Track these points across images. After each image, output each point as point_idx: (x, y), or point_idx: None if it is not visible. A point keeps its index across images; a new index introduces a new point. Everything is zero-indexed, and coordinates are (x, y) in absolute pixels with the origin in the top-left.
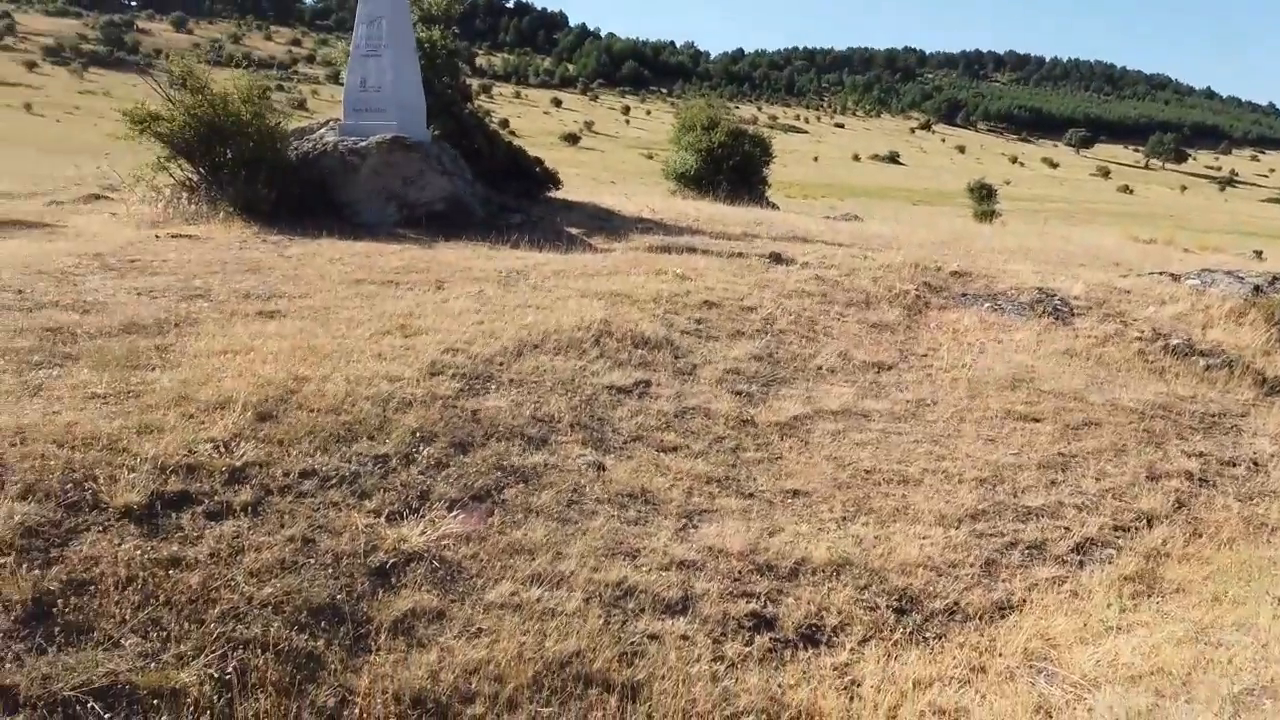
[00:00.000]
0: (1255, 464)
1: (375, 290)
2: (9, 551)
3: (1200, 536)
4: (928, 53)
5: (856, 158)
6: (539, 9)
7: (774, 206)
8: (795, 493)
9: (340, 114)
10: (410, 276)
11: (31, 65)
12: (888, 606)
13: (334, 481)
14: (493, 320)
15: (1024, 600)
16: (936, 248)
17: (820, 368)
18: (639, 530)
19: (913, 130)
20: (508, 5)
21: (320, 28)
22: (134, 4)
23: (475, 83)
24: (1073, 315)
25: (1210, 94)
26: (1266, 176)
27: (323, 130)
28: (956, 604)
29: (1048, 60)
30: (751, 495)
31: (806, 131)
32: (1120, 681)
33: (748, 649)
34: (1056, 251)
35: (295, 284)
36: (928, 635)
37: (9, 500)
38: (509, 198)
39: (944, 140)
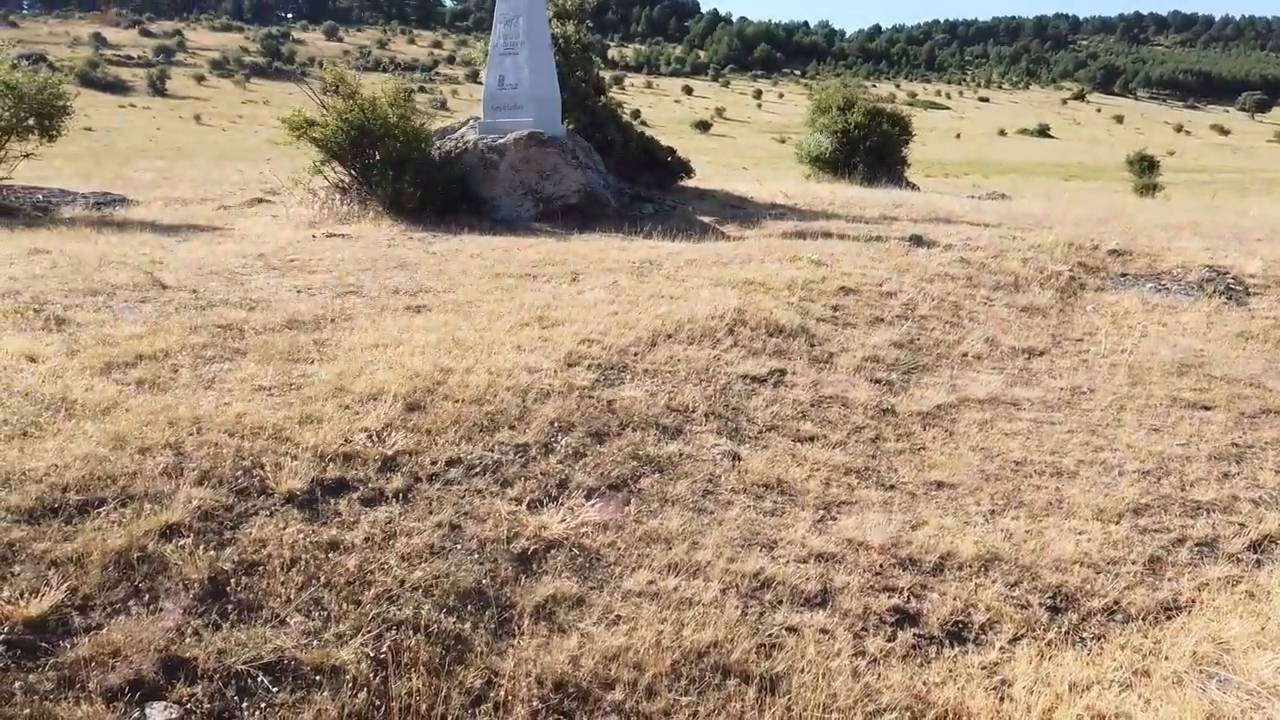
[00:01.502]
0: None
1: (514, 283)
2: (188, 533)
3: None
4: (1082, 18)
5: (1003, 133)
6: None
7: (914, 187)
8: (939, 484)
9: (480, 112)
10: (547, 269)
11: (200, 79)
12: (1040, 605)
13: (478, 470)
14: (627, 311)
15: (1193, 600)
16: (1092, 225)
17: (965, 354)
18: (776, 521)
19: (1064, 101)
20: None
21: (460, 29)
22: (289, 16)
23: (608, 75)
24: (1248, 295)
25: None
26: None
27: (463, 129)
28: (1117, 603)
29: (1218, 19)
30: (893, 487)
31: (948, 108)
32: None
33: (890, 645)
34: (1228, 226)
35: (439, 279)
36: (1085, 636)
37: (187, 485)
38: (642, 188)
39: (1099, 110)
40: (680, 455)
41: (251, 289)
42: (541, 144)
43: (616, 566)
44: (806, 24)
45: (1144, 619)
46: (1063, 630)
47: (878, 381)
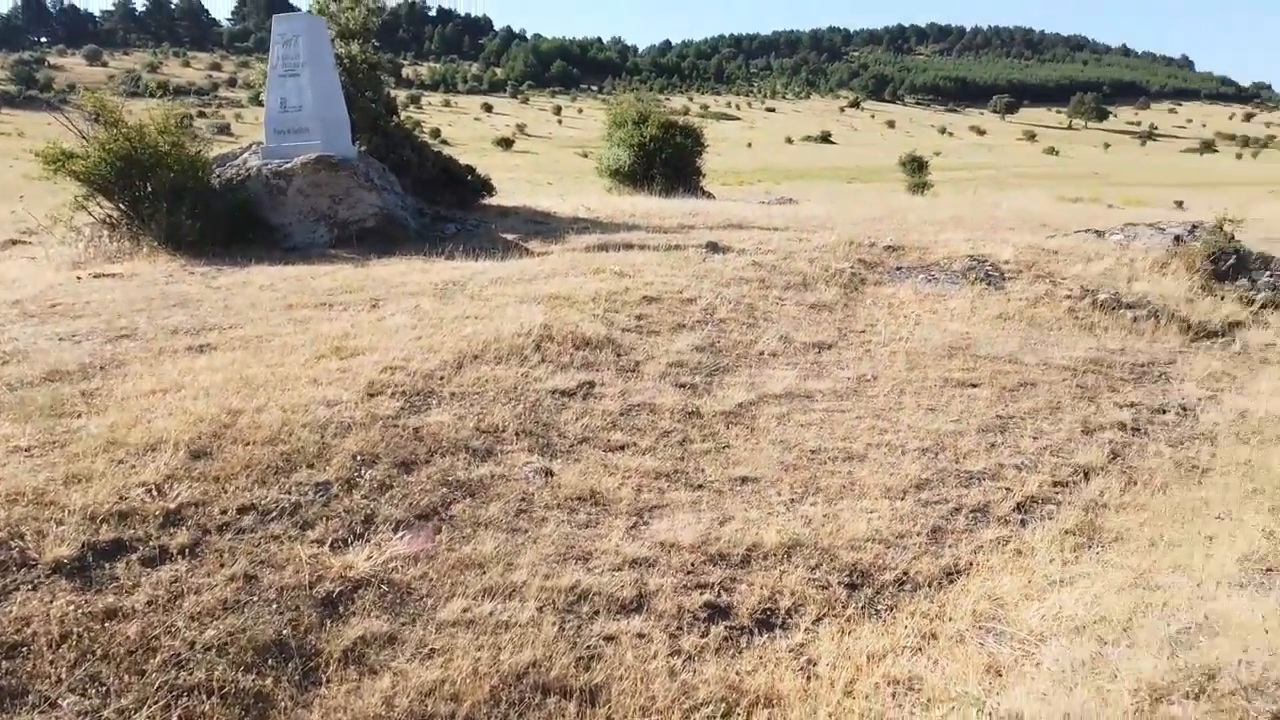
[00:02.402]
0: (1184, 409)
1: (309, 314)
2: None
3: (1135, 484)
4: (852, 31)
5: (790, 140)
6: (463, 15)
7: (710, 196)
8: (744, 479)
9: (263, 137)
10: (344, 297)
11: None
12: (839, 583)
13: (274, 514)
14: (431, 334)
15: (971, 563)
16: (870, 224)
17: (762, 353)
18: (590, 533)
19: (842, 109)
20: (430, 14)
21: (240, 49)
22: (44, 41)
23: (402, 94)
24: (1004, 279)
25: (1126, 51)
26: (1184, 128)
27: (246, 155)
28: (906, 574)
29: (969, 29)
30: (701, 486)
31: (739, 118)
32: (1065, 634)
33: (704, 640)
34: (987, 218)
35: (225, 315)
36: (880, 608)
37: None
38: (443, 208)
39: (873, 117)
40: (492, 477)
41: (4, 340)
42: (332, 167)
43: (429, 598)
44: (600, 40)
45: (930, 585)
46: (860, 605)
47: (683, 385)
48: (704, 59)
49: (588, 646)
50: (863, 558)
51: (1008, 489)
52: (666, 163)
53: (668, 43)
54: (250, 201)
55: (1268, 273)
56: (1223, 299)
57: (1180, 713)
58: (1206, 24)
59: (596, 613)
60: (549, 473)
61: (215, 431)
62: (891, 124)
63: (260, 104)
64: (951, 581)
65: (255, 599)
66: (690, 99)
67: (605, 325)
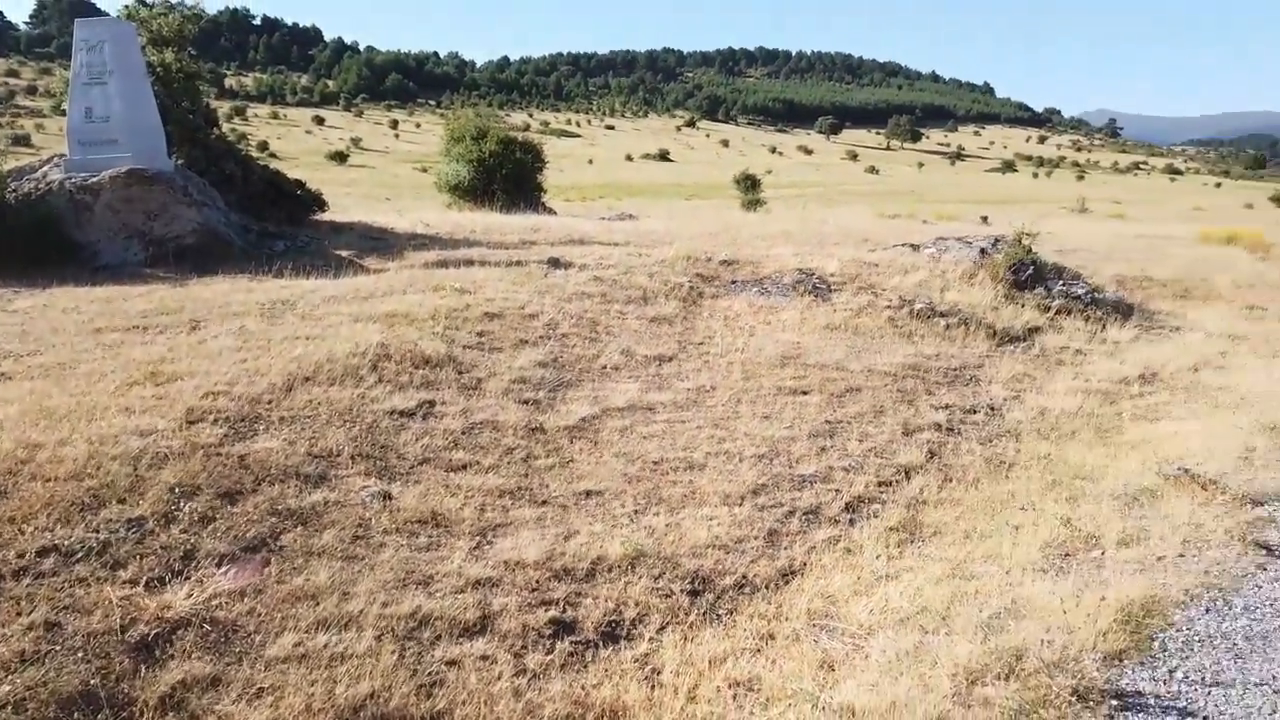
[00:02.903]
0: (992, 409)
1: (120, 338)
2: None
3: (951, 481)
4: (686, 52)
5: (630, 158)
6: (290, 25)
7: (552, 212)
8: (589, 493)
9: (66, 149)
10: (160, 319)
11: None
12: (682, 591)
13: (80, 555)
14: (258, 356)
15: (805, 564)
16: (707, 239)
17: (605, 367)
18: (431, 556)
19: (679, 128)
20: (255, 22)
21: (40, 55)
22: None
23: (226, 105)
24: (831, 291)
25: (936, 77)
26: (988, 149)
27: (46, 168)
28: (745, 577)
29: (794, 54)
30: (546, 502)
31: (580, 135)
32: (892, 626)
33: (549, 657)
34: (814, 233)
35: (24, 341)
36: (721, 612)
37: None
38: (271, 225)
39: (709, 136)
40: (326, 503)
41: None
42: (145, 181)
43: (258, 635)
44: (437, 54)
45: (767, 587)
46: (702, 611)
47: (526, 402)
48: (543, 76)
49: (429, 673)
50: (704, 564)
51: (837, 490)
52: (507, 178)
53: (506, 59)
54: (52, 218)
55: (1060, 282)
56: (1023, 306)
57: (993, 693)
58: (1005, 54)
59: (438, 637)
60: (388, 496)
61: (10, 469)
62: (726, 143)
63: (64, 114)
64: (787, 582)
65: (59, 648)
66: (530, 115)
67: (446, 343)
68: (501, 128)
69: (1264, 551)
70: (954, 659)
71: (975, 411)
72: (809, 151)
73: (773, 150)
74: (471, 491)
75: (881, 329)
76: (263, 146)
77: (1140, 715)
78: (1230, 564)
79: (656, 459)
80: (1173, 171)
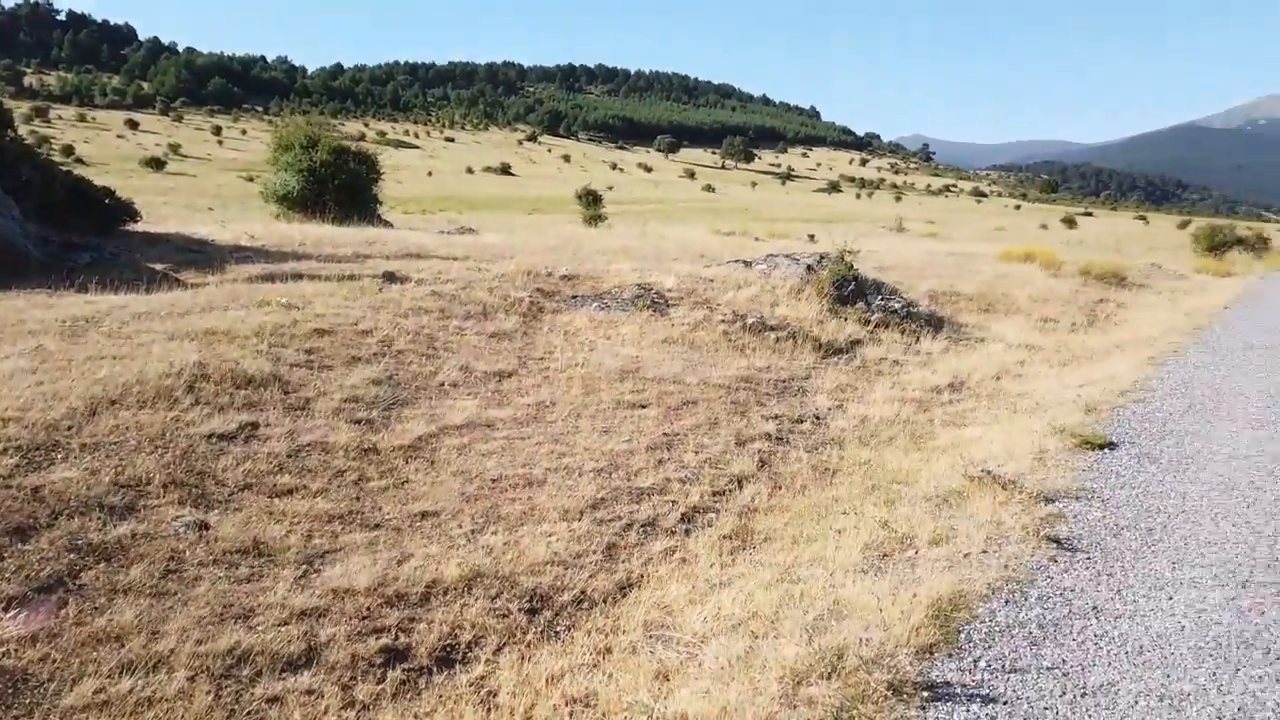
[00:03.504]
0: (818, 418)
1: None
2: None
3: (781, 488)
4: (527, 66)
5: (470, 171)
6: (99, 21)
7: (389, 225)
8: (424, 514)
9: None
10: None
11: None
12: (520, 610)
13: None
14: (57, 379)
15: (642, 576)
16: (548, 254)
17: (443, 384)
18: (253, 587)
19: (520, 142)
20: (59, 18)
21: None
22: None
23: (25, 105)
24: (669, 306)
25: (767, 100)
26: (815, 170)
27: None
28: (584, 592)
29: (633, 73)
30: (379, 526)
31: (419, 146)
32: (724, 632)
33: (380, 687)
34: (653, 249)
35: None
36: (559, 629)
37: None
38: (76, 235)
39: (550, 150)
40: (134, 536)
41: None
42: None
43: (52, 683)
44: (264, 59)
45: (605, 601)
46: (540, 629)
47: (359, 421)
48: (379, 85)
49: (249, 712)
50: (543, 581)
51: (674, 502)
52: (340, 189)
53: (340, 65)
54: None
55: (880, 297)
56: (846, 320)
57: (817, 692)
58: (830, 80)
59: (259, 673)
60: (204, 526)
61: None
62: (568, 158)
63: None
64: (625, 595)
65: None
66: (366, 125)
67: (271, 361)
68: (334, 136)
69: (1055, 545)
70: (781, 661)
71: (803, 421)
72: (649, 169)
73: (614, 167)
74: (298, 517)
75: (717, 343)
76: (68, 151)
77: (948, 704)
78: (1026, 558)
79: (495, 476)
80: (979, 194)
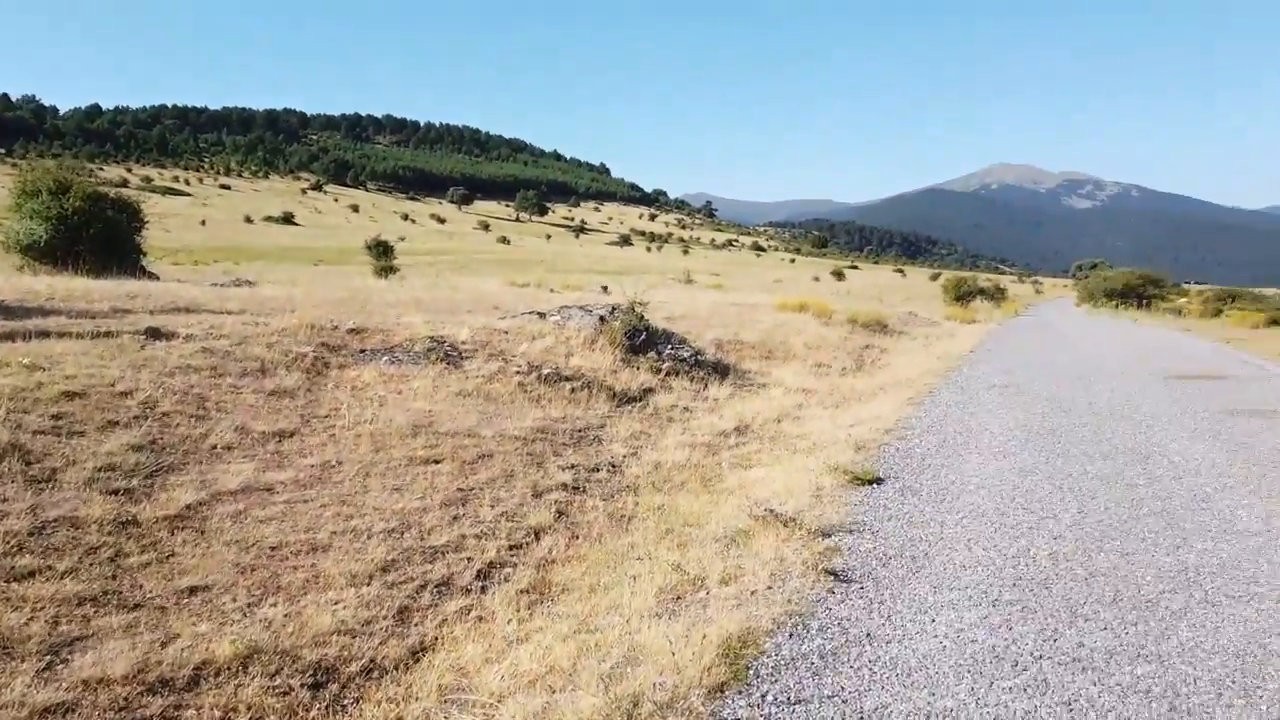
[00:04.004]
0: (614, 466)
1: None
2: None
3: (578, 538)
4: (310, 114)
5: (250, 220)
6: None
7: (154, 277)
8: (193, 590)
9: None
10: None
11: None
12: (302, 685)
13: None
14: None
15: (437, 638)
16: (334, 307)
17: (215, 447)
18: None
19: (304, 191)
20: None
21: None
22: None
23: None
24: (463, 358)
25: (558, 156)
26: (607, 224)
27: None
28: (374, 661)
29: (423, 124)
30: (139, 606)
31: (190, 194)
32: (523, 689)
33: None
34: (446, 301)
35: None
36: (346, 702)
37: None
38: None
39: (337, 200)
40: None
41: None
42: None
43: None
44: (7, 97)
45: (397, 668)
46: (324, 705)
47: (116, 492)
48: (144, 128)
49: None
50: (328, 653)
51: (469, 558)
52: (95, 239)
53: (97, 107)
54: None
55: (670, 346)
56: (638, 369)
57: None
58: (619, 138)
59: None
60: None
61: None
62: (356, 208)
63: None
64: (418, 660)
65: None
66: (129, 170)
67: (10, 429)
68: (90, 182)
69: (833, 577)
70: (579, 713)
71: (599, 470)
72: (442, 220)
73: (405, 217)
74: (41, 602)
75: (512, 394)
76: None
77: None
78: (807, 591)
79: (275, 544)
80: (758, 248)
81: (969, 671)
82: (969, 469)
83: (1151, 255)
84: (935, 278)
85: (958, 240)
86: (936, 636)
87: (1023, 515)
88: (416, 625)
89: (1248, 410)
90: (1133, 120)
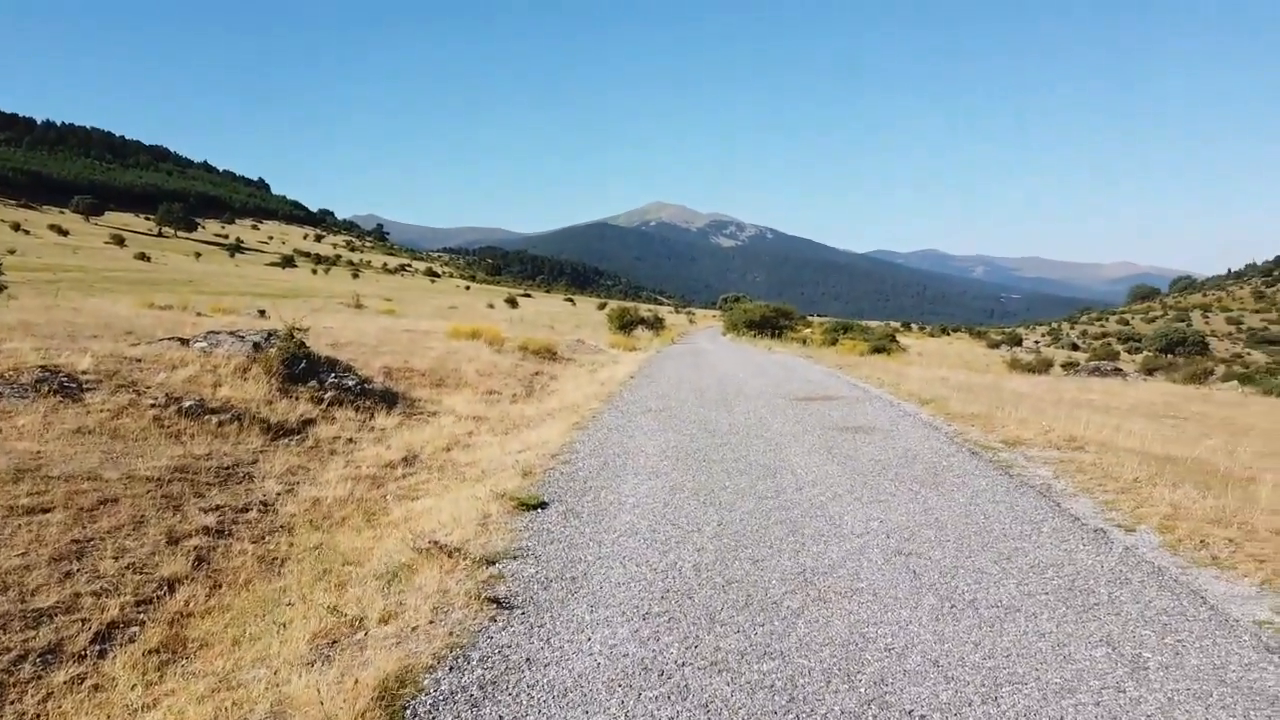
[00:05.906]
0: (265, 505)
1: None
2: None
3: (221, 587)
4: None
5: None
6: None
7: None
8: None
9: None
10: None
11: None
12: None
13: None
14: None
15: (39, 715)
16: None
17: None
18: None
19: None
20: None
21: None
22: None
23: None
24: (83, 391)
25: (209, 168)
26: (267, 243)
27: None
28: None
29: (40, 122)
30: None
31: None
32: None
33: None
34: (64, 324)
35: None
36: None
37: None
38: None
39: None
40: None
41: None
42: None
43: None
44: None
45: None
46: None
47: None
48: None
49: None
50: None
51: (85, 620)
52: None
53: None
54: None
55: (334, 374)
56: (298, 400)
57: None
58: (280, 152)
59: None
60: None
61: None
62: None
63: None
64: None
65: None
66: None
67: None
68: None
69: (495, 605)
70: None
71: (249, 510)
72: (64, 232)
73: (16, 228)
74: None
75: (145, 430)
76: None
77: None
78: (469, 622)
79: None
80: (433, 274)
81: (620, 685)
82: (626, 489)
83: (782, 290)
84: (602, 307)
85: (622, 272)
86: (592, 654)
87: (672, 530)
88: (13, 704)
89: (853, 428)
90: (767, 169)
